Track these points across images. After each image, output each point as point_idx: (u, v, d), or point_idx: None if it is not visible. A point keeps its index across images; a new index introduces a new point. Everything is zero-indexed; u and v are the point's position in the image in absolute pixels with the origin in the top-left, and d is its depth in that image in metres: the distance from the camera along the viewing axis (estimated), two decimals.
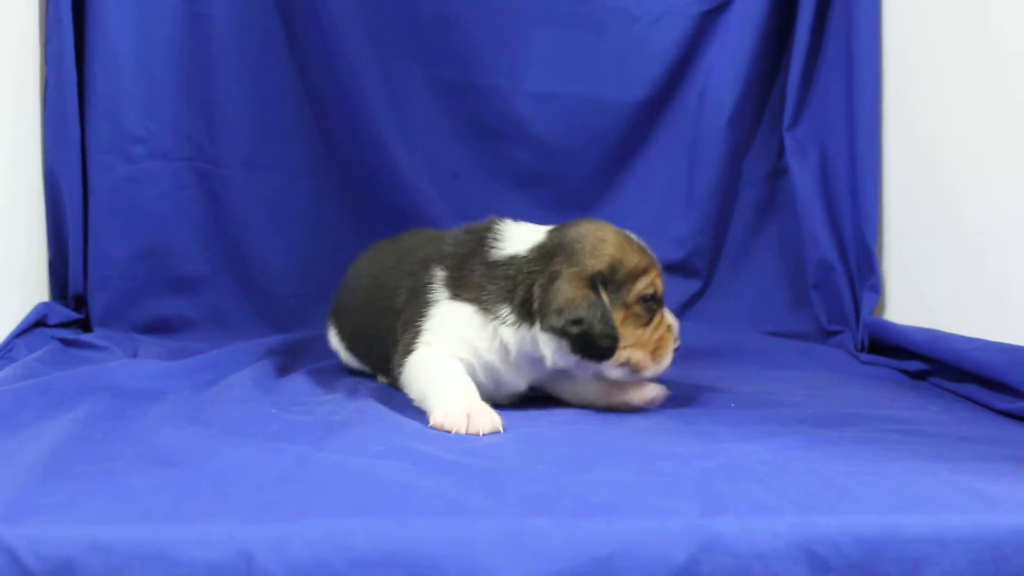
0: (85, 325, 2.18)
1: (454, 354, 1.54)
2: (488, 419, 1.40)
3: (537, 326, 1.50)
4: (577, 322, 1.47)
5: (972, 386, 1.72)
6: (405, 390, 1.55)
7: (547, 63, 2.36)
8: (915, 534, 1.03)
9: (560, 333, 1.48)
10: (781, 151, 2.40)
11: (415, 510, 1.04)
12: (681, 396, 1.71)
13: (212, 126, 2.25)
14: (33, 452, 1.21)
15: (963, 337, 1.80)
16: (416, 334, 1.56)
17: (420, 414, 1.47)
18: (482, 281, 1.55)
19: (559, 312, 1.47)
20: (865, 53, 2.20)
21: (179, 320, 2.22)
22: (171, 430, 1.35)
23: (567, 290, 1.48)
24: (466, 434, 1.37)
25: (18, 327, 1.91)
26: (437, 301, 1.57)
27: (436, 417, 1.41)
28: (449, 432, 1.38)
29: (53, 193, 2.12)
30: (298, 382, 1.76)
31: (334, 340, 1.89)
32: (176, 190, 2.23)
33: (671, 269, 2.39)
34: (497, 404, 1.51)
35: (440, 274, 1.58)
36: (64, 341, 1.94)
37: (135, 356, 1.93)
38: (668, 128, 2.42)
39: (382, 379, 1.78)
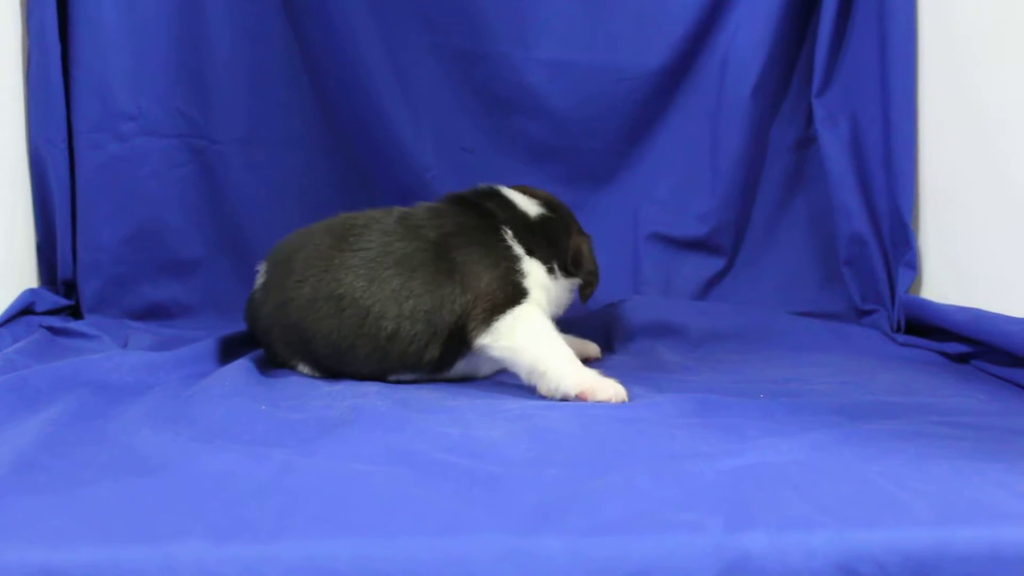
0: (76, 312, 2.09)
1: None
2: (620, 387, 1.48)
3: (570, 279, 1.78)
4: (595, 274, 1.81)
5: (1020, 371, 1.63)
6: (507, 345, 1.56)
7: (560, 29, 2.24)
8: (969, 550, 0.92)
9: (587, 283, 1.80)
10: (810, 119, 2.27)
11: (407, 527, 0.94)
12: (705, 383, 1.61)
13: (206, 100, 2.14)
14: None
15: (1009, 317, 1.69)
16: (515, 288, 1.62)
17: (424, 411, 1.37)
18: (537, 240, 1.71)
19: (591, 272, 1.80)
20: (899, 9, 2.08)
21: (174, 305, 2.13)
22: (150, 431, 1.25)
23: (588, 250, 1.80)
24: (605, 402, 1.45)
25: (3, 315, 1.83)
26: (521, 257, 1.66)
27: (576, 383, 1.48)
28: (591, 400, 1.46)
29: (39, 174, 2.03)
30: (294, 374, 1.68)
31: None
32: (169, 168, 2.13)
33: (693, 246, 2.29)
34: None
35: (511, 233, 1.68)
36: (52, 329, 1.85)
37: (125, 345, 1.84)
38: (689, 96, 2.30)
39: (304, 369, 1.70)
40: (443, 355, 1.61)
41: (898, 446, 1.20)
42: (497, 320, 1.57)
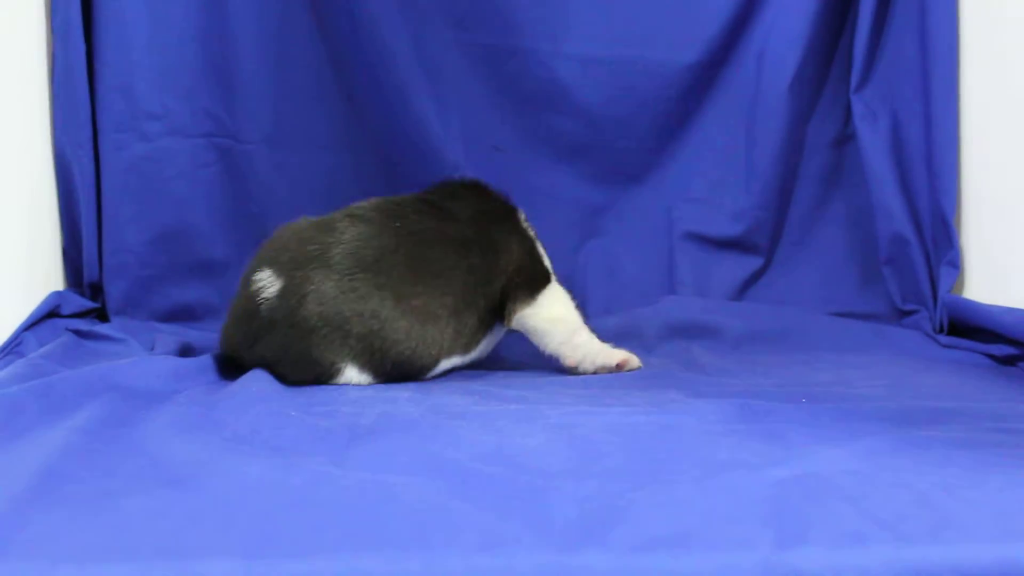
0: (102, 314, 2.08)
1: None
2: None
3: None
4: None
5: None
6: (547, 316, 1.72)
7: (591, 23, 2.19)
8: None
9: None
10: (848, 115, 2.22)
11: (444, 542, 0.90)
12: (745, 387, 1.57)
13: (232, 100, 2.12)
14: (21, 470, 1.08)
15: None
16: (543, 267, 1.77)
17: (456, 417, 1.33)
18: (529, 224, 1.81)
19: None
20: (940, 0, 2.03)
21: (201, 307, 2.11)
22: (178, 439, 1.22)
23: None
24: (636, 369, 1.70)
25: (28, 319, 1.80)
26: (536, 240, 1.79)
27: (617, 353, 1.71)
28: (627, 369, 1.71)
29: (64, 175, 2.01)
30: None
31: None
32: (195, 169, 2.10)
33: (729, 245, 2.25)
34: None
35: (523, 216, 1.80)
36: (78, 333, 1.83)
37: (152, 348, 1.82)
38: (724, 92, 2.25)
39: None
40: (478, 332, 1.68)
41: (951, 454, 1.15)
42: (539, 294, 1.71)
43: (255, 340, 1.58)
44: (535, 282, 1.72)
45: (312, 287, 1.56)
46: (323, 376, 1.58)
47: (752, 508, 0.97)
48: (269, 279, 1.57)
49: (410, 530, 0.92)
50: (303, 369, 1.57)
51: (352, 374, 1.59)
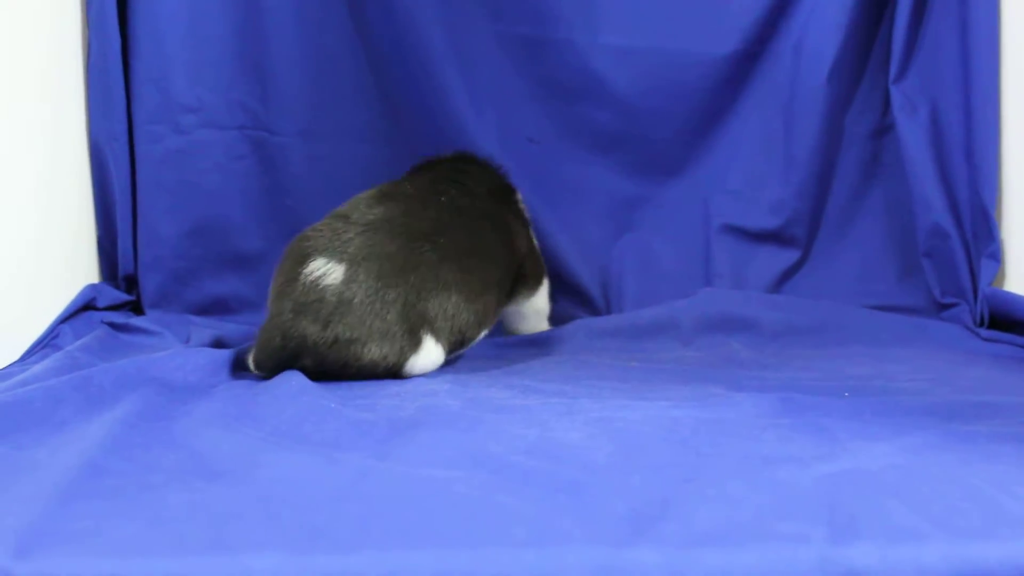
0: (137, 307, 2.08)
1: None
2: None
3: None
4: None
5: None
6: (541, 306, 1.91)
7: (627, 14, 2.16)
8: None
9: None
10: (887, 106, 2.19)
11: (492, 538, 0.89)
12: (785, 381, 1.55)
13: (266, 92, 2.11)
14: (63, 462, 1.08)
15: None
16: (541, 258, 1.88)
17: (497, 411, 1.32)
18: None
19: None
20: None
21: (236, 300, 2.11)
22: (218, 432, 1.22)
23: None
24: None
25: (65, 311, 1.81)
26: (529, 222, 1.86)
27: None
28: None
29: (99, 168, 2.01)
30: None
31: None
32: (229, 161, 2.10)
33: (766, 238, 2.22)
34: None
35: (520, 196, 1.89)
36: (113, 325, 1.83)
37: (188, 341, 1.81)
38: (761, 83, 2.22)
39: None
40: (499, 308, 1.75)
41: (999, 449, 1.13)
42: (541, 285, 1.88)
43: (326, 325, 1.51)
44: (539, 271, 1.88)
45: (376, 271, 1.54)
46: (405, 350, 1.55)
47: (803, 504, 0.96)
48: (326, 266, 1.54)
49: (458, 525, 0.91)
50: (388, 343, 1.54)
51: (430, 346, 1.58)
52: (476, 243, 1.65)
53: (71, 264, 1.94)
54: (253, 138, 2.12)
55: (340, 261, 1.54)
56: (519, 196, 1.85)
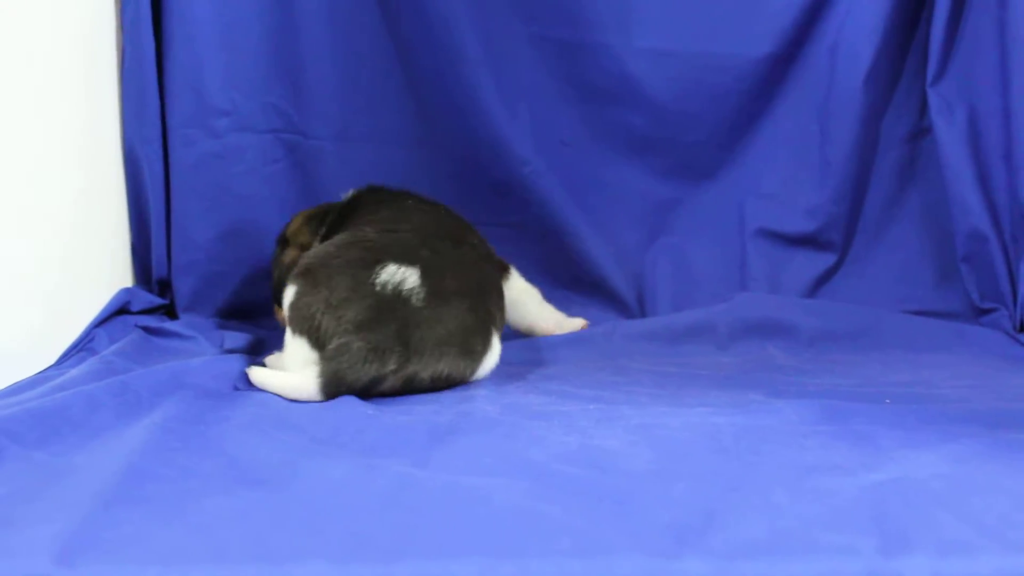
0: (171, 311, 2.07)
1: None
2: None
3: None
4: None
5: None
6: (520, 289, 1.94)
7: (661, 17, 2.15)
8: None
9: None
10: (924, 109, 2.16)
11: (537, 548, 0.88)
12: (824, 387, 1.53)
13: (300, 95, 2.11)
14: (102, 468, 1.08)
15: None
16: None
17: (535, 417, 1.32)
18: None
19: None
20: None
21: (269, 304, 2.09)
22: (255, 438, 1.21)
23: None
24: None
25: (99, 315, 1.81)
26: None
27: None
28: None
29: (133, 172, 2.01)
30: None
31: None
32: (263, 165, 2.09)
33: (802, 242, 2.20)
34: None
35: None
36: (147, 330, 1.83)
37: (222, 346, 1.81)
38: (797, 87, 2.20)
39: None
40: None
41: None
42: (510, 268, 1.92)
43: (406, 328, 1.48)
44: (503, 261, 1.89)
45: (447, 267, 1.57)
46: (483, 345, 1.56)
47: (850, 513, 0.95)
48: (400, 272, 1.52)
49: (501, 534, 0.91)
50: (469, 340, 1.54)
51: (495, 341, 1.61)
52: (475, 244, 1.74)
53: (105, 268, 1.94)
54: (287, 142, 2.11)
55: (410, 266, 1.53)
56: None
